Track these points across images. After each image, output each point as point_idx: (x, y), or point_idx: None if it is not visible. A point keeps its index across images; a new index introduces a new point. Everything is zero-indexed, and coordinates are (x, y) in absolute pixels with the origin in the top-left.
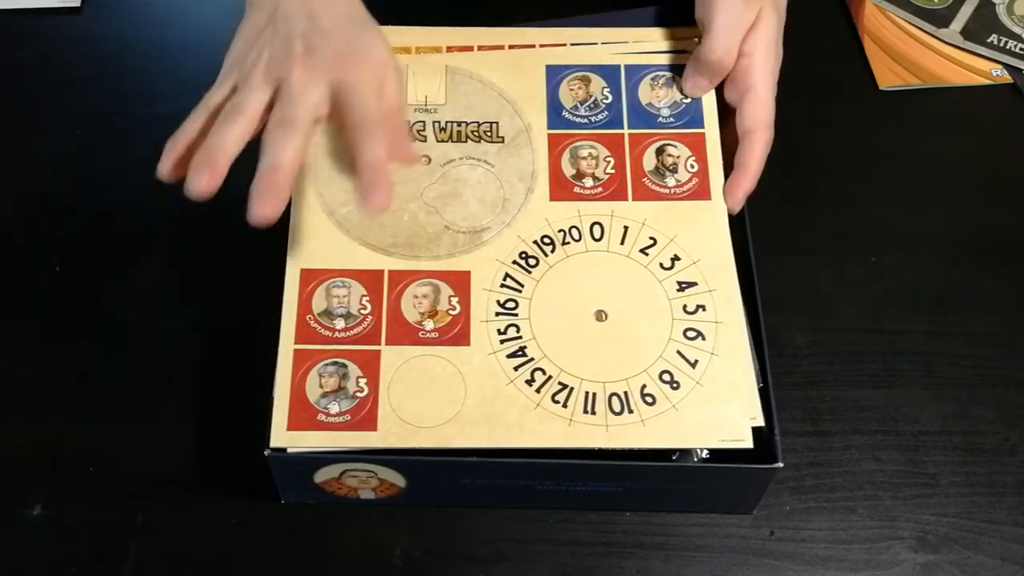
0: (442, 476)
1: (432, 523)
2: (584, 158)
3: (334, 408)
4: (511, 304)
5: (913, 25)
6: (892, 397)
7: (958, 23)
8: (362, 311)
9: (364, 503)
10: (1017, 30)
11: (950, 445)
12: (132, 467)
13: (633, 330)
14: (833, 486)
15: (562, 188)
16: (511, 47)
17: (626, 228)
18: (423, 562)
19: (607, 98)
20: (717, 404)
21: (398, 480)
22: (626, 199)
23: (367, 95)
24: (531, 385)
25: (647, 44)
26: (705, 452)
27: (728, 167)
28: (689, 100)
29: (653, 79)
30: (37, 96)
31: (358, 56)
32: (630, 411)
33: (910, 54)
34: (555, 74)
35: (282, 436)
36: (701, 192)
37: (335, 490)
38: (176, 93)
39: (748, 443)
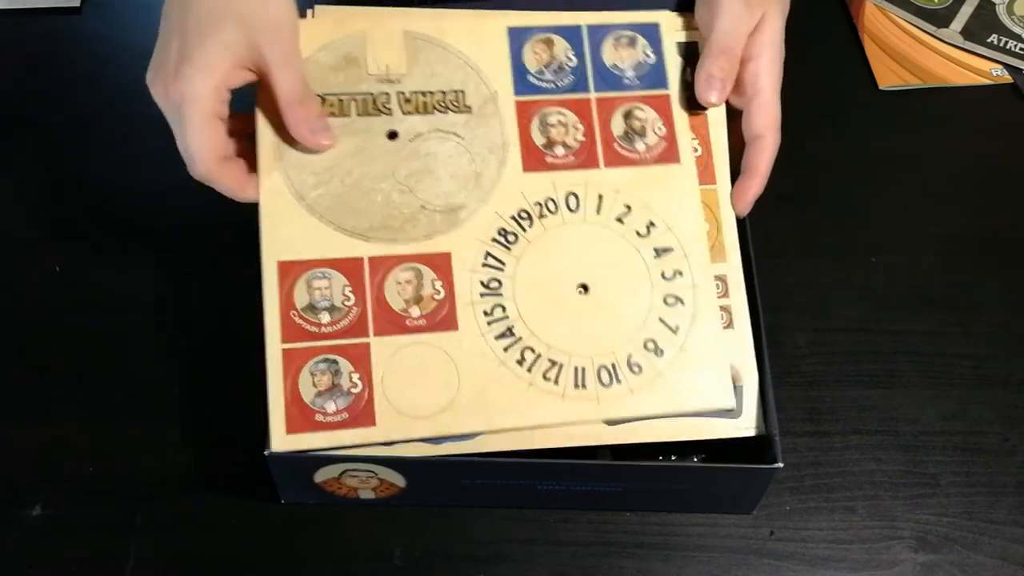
0: (442, 476)
1: (432, 523)
2: (554, 126)
3: (331, 407)
4: (495, 284)
5: (913, 25)
6: (892, 397)
7: (958, 23)
8: (346, 303)
9: (364, 503)
10: (1017, 30)
11: (950, 445)
12: (132, 467)
13: (615, 301)
14: (833, 486)
15: (534, 158)
16: None
17: (601, 197)
18: (423, 562)
19: (572, 61)
20: (700, 367)
21: (398, 480)
22: (598, 166)
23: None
24: (522, 365)
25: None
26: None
27: (734, 170)
28: (654, 60)
29: (616, 39)
30: (37, 96)
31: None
32: (619, 382)
33: (910, 54)
34: (518, 37)
35: (281, 440)
36: (670, 155)
37: (335, 490)
38: None
39: (731, 403)
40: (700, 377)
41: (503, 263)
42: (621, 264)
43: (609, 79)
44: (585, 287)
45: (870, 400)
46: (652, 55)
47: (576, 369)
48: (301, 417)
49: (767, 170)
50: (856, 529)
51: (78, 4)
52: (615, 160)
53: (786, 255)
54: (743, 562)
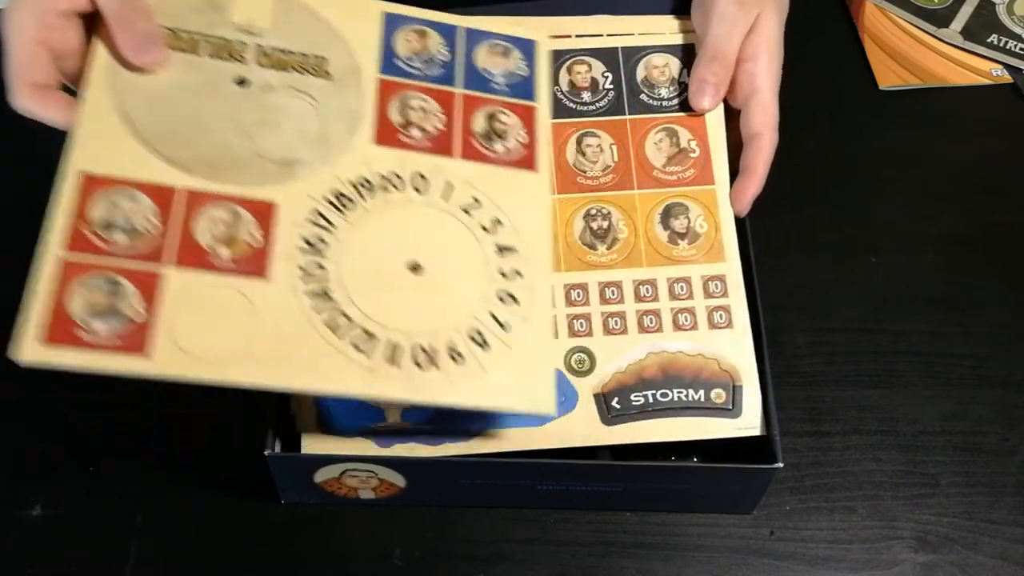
0: (442, 476)
1: (432, 523)
2: (414, 109)
3: (100, 327)
4: (320, 243)
5: (913, 25)
6: (892, 397)
7: (958, 23)
8: (148, 228)
9: (364, 503)
10: (1017, 30)
11: (950, 445)
12: (132, 467)
13: (446, 285)
14: (833, 486)
15: (388, 134)
16: None
17: (450, 185)
18: (423, 562)
19: (444, 55)
20: (525, 368)
21: (398, 480)
22: (451, 155)
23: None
24: (333, 330)
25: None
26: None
27: (734, 170)
28: (526, 73)
29: (492, 47)
30: None
31: None
32: (436, 367)
33: (910, 54)
34: (393, 22)
35: (32, 348)
36: (528, 162)
37: (335, 490)
38: None
39: (551, 410)
40: (523, 378)
41: (333, 225)
42: (460, 251)
43: (477, 80)
44: (417, 267)
45: (870, 400)
46: (525, 69)
47: (393, 345)
48: (62, 330)
49: (765, 170)
50: (856, 529)
51: None
52: (471, 154)
53: (786, 255)
54: (743, 562)
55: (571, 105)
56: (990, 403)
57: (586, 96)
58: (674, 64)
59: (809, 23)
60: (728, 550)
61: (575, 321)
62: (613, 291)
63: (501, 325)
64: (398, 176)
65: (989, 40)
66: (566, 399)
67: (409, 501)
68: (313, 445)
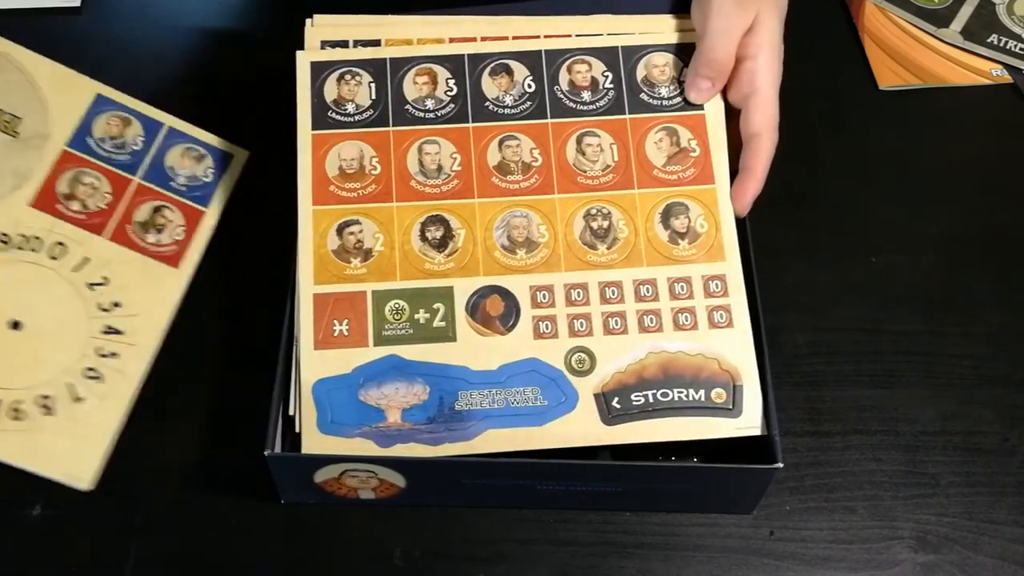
0: (442, 476)
1: (432, 523)
2: (84, 185)
3: None
4: None
5: (913, 25)
6: (892, 397)
7: (958, 23)
8: None
9: (364, 503)
10: (1017, 30)
11: (950, 445)
12: (132, 467)
13: (39, 349)
14: (833, 486)
15: (47, 199)
16: (515, 38)
17: (86, 259)
18: (423, 562)
19: (136, 145)
20: (75, 442)
21: (398, 480)
22: (100, 234)
23: None
24: None
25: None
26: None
27: (732, 171)
28: (210, 179)
29: (187, 149)
30: None
31: None
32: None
33: (910, 54)
34: (102, 104)
35: None
36: (174, 259)
37: (335, 490)
38: (175, 93)
39: (86, 484)
40: (69, 450)
41: None
42: (64, 323)
43: (157, 176)
44: (18, 324)
45: (870, 400)
46: (212, 176)
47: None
48: None
49: (764, 170)
50: (856, 529)
51: (78, 4)
52: (120, 238)
53: (786, 255)
54: (743, 562)
55: (571, 104)
56: (990, 403)
57: (586, 95)
58: (674, 63)
59: (809, 23)
60: (728, 550)
61: (575, 321)
62: (613, 291)
63: (74, 398)
64: (39, 238)
65: (989, 40)
66: (566, 399)
67: (409, 501)
68: (313, 445)
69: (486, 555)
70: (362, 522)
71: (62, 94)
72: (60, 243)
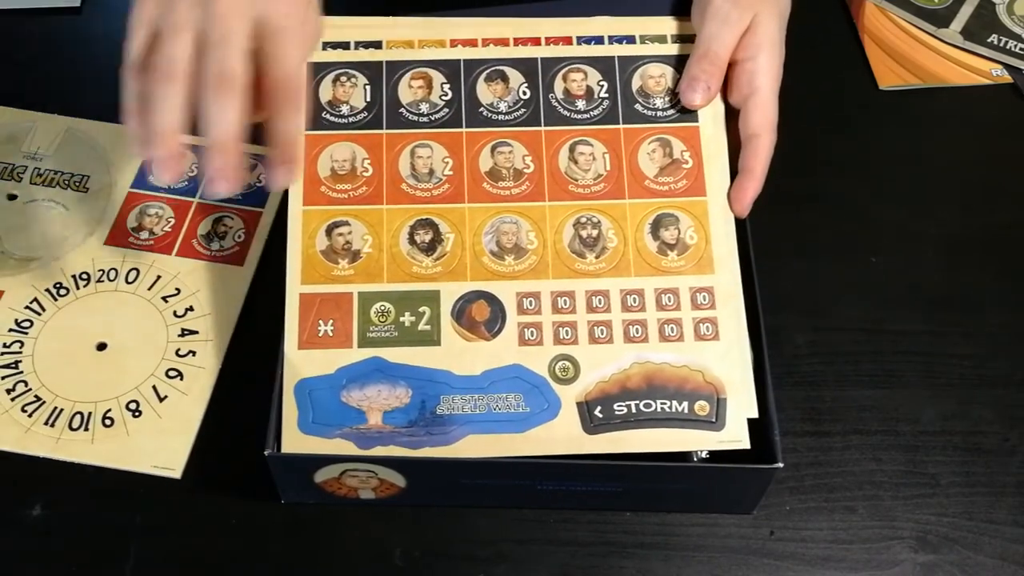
0: (442, 476)
1: (432, 523)
2: (150, 216)
3: None
4: (27, 324)
5: (913, 25)
6: (892, 397)
7: (958, 23)
8: None
9: (364, 503)
10: (1017, 30)
11: (950, 445)
12: (132, 467)
13: (124, 363)
14: (833, 486)
15: (120, 235)
16: (516, 41)
17: (158, 276)
18: (423, 562)
19: (192, 172)
20: (163, 437)
21: (398, 480)
22: (169, 254)
23: (291, 43)
24: (8, 393)
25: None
26: (704, 453)
27: (732, 171)
28: (260, 183)
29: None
30: (37, 96)
31: None
32: (85, 429)
33: (910, 54)
34: None
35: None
36: (238, 258)
37: (335, 490)
38: None
39: (177, 473)
40: (159, 444)
41: (44, 309)
42: (142, 332)
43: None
44: (104, 345)
45: (870, 400)
46: (264, 180)
47: (55, 409)
48: None
49: (763, 170)
50: (856, 529)
51: (78, 4)
52: (187, 252)
53: (786, 255)
54: (743, 562)
55: (565, 113)
56: (990, 403)
57: (580, 104)
58: (670, 74)
59: (809, 23)
60: (728, 550)
61: (560, 329)
62: (600, 300)
63: (159, 397)
64: (115, 270)
65: (989, 40)
66: (549, 406)
67: (409, 501)
68: (293, 444)
69: (486, 555)
70: (362, 522)
71: (121, 148)
72: (134, 268)
